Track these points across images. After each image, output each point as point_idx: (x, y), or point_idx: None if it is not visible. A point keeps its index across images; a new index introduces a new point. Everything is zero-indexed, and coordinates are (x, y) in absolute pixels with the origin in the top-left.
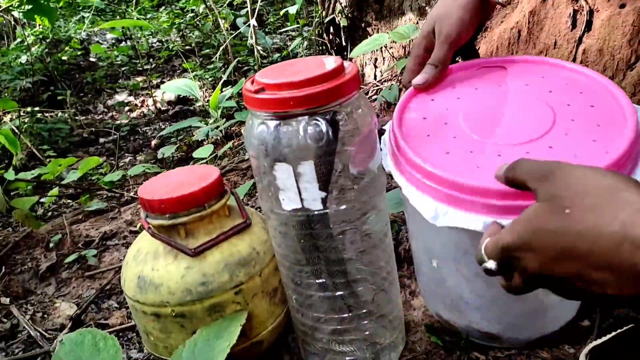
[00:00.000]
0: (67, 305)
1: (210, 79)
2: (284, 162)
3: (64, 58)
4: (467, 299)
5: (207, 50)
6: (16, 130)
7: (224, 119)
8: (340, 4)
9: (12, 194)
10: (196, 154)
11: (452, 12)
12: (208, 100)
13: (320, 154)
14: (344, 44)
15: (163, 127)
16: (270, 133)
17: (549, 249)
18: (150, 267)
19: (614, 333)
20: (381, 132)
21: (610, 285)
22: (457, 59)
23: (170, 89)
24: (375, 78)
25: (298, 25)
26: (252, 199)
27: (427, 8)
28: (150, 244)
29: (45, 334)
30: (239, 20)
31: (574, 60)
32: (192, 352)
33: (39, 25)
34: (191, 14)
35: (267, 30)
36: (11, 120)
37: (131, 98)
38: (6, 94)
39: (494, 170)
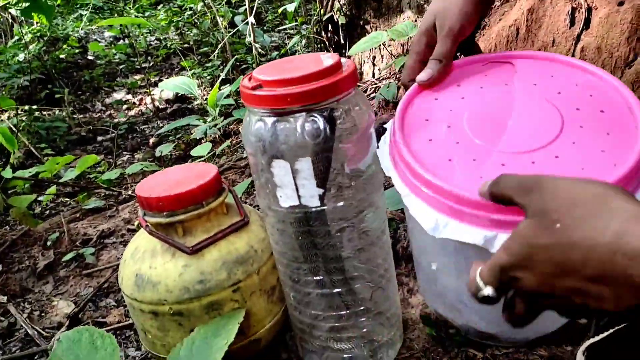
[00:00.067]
0: (64, 304)
1: (208, 77)
2: (281, 158)
3: (62, 56)
4: (466, 301)
5: (205, 49)
6: (14, 129)
7: (222, 117)
8: (339, 1)
9: (9, 192)
10: (194, 152)
11: (453, 5)
12: (206, 99)
13: (318, 150)
14: (342, 42)
15: (161, 125)
16: (268, 130)
17: (544, 265)
18: (148, 265)
19: (610, 330)
20: (382, 131)
21: (607, 299)
22: (458, 54)
23: (169, 87)
24: (373, 76)
25: (296, 23)
26: (250, 197)
27: (425, 5)
28: (148, 242)
29: (43, 333)
30: (237, 18)
31: None
32: (189, 350)
33: (37, 23)
34: (189, 12)
35: (265, 28)
36: (9, 118)
37: (129, 96)
38: (4, 92)
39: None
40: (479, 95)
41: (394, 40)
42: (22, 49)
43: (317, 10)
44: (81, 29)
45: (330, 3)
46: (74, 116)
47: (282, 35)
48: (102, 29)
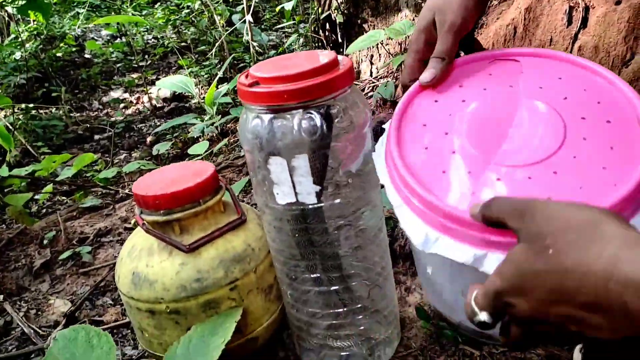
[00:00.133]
0: (61, 302)
1: (205, 76)
2: (278, 155)
3: (59, 54)
4: (463, 304)
5: (203, 47)
6: (10, 127)
7: (220, 116)
8: (336, 0)
9: (6, 190)
10: (191, 150)
11: (452, 0)
12: (203, 97)
13: (315, 147)
14: (340, 40)
15: (158, 123)
16: (265, 127)
17: (538, 291)
18: (145, 264)
19: None
20: (380, 131)
21: (603, 327)
22: (459, 52)
23: (166, 86)
24: (371, 75)
25: (294, 22)
26: (247, 195)
27: (423, 4)
28: (145, 240)
29: (39, 331)
30: (235, 17)
31: None
32: (186, 348)
33: (33, 21)
34: (187, 11)
35: (263, 26)
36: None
37: (126, 95)
38: (0, 90)
39: (490, 197)
40: (481, 98)
41: (391, 39)
42: (18, 47)
43: (315, 8)
44: (78, 27)
45: (328, 2)
46: (71, 114)
47: (280, 34)
48: (99, 27)
